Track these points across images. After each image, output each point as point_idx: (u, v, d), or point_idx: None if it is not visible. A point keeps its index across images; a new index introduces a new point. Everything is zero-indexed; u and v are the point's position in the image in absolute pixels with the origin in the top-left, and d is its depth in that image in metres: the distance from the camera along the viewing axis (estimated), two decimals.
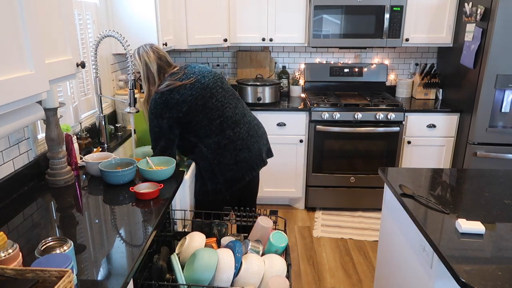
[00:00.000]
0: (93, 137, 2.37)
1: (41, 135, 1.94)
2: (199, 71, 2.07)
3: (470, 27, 3.07)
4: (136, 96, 2.40)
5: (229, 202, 2.14)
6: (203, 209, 2.01)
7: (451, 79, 3.48)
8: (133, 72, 2.19)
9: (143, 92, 2.11)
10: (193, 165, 2.16)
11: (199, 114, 2.01)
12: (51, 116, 1.73)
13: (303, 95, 3.83)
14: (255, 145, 2.15)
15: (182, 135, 2.06)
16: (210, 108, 2.02)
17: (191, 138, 2.06)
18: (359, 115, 3.28)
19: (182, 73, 2.03)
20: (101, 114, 2.34)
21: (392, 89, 3.87)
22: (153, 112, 2.00)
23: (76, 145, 2.00)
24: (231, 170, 2.08)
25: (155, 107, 1.99)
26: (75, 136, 2.05)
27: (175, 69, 2.07)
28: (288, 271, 1.46)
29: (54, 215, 1.53)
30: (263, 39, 3.44)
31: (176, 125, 2.01)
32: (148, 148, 2.24)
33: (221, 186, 2.09)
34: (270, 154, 2.32)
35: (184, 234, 1.70)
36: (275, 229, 1.70)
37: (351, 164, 3.42)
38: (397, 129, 3.29)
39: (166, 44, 2.90)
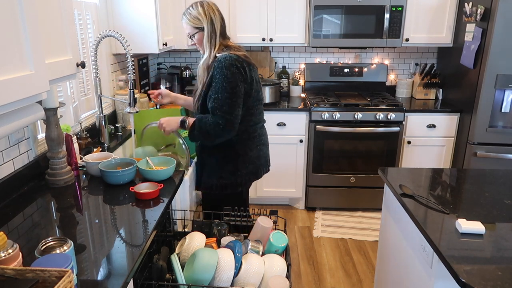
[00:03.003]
0: (93, 137, 2.37)
1: (41, 135, 1.94)
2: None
3: (470, 27, 3.07)
4: (136, 96, 2.40)
5: (243, 198, 2.10)
6: (211, 203, 1.98)
7: (451, 79, 3.48)
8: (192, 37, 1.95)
9: (143, 92, 2.09)
10: (193, 164, 2.15)
11: (254, 101, 1.95)
12: (51, 116, 1.73)
13: (303, 95, 3.83)
14: (268, 143, 2.15)
15: None
16: (260, 100, 2.00)
17: None
18: (359, 115, 3.28)
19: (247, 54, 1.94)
20: (101, 114, 2.34)
21: (392, 89, 3.87)
22: (237, 75, 1.82)
23: (76, 145, 2.00)
24: (253, 164, 2.03)
25: (239, 70, 1.82)
26: (75, 136, 2.05)
27: (234, 44, 1.96)
28: (288, 271, 1.46)
29: (54, 215, 1.53)
30: (263, 39, 3.44)
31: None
32: (149, 149, 2.23)
33: (241, 179, 2.02)
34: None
35: (184, 234, 1.70)
36: (275, 229, 1.70)
37: (351, 164, 3.42)
38: (397, 129, 3.29)
39: (166, 44, 2.90)
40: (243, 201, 2.14)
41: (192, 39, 1.95)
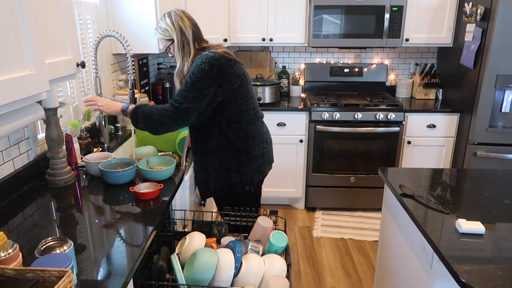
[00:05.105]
0: (93, 137, 2.37)
1: (41, 135, 1.94)
2: None
3: (470, 27, 3.08)
4: (136, 96, 2.40)
5: (254, 197, 2.08)
6: (225, 205, 1.95)
7: (451, 79, 3.48)
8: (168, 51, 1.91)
9: (143, 92, 2.07)
10: (193, 164, 2.15)
11: (242, 97, 1.88)
12: (51, 116, 1.73)
13: (303, 95, 3.83)
14: (271, 141, 2.12)
15: (212, 115, 1.86)
16: (250, 95, 1.93)
17: (219, 120, 1.88)
18: (359, 115, 3.28)
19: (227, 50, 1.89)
20: (101, 114, 2.34)
21: (392, 89, 3.87)
22: (207, 71, 1.75)
23: (76, 145, 2.00)
24: (257, 161, 1.98)
25: (211, 67, 1.76)
26: (75, 136, 2.05)
27: (213, 44, 1.92)
28: (288, 271, 1.46)
29: (54, 215, 1.53)
30: (263, 39, 3.44)
31: (218, 98, 1.82)
32: (149, 149, 2.23)
33: (246, 177, 1.97)
34: None
35: (184, 234, 1.70)
36: (275, 229, 1.70)
37: (351, 164, 3.42)
38: (397, 129, 3.29)
39: None
40: (256, 201, 2.13)
41: (169, 52, 1.93)
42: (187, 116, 1.81)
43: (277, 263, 1.45)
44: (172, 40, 1.88)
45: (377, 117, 3.28)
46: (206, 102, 1.80)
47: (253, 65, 3.83)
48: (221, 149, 1.94)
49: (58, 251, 1.11)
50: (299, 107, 3.39)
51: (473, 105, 3.06)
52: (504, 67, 2.86)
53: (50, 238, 1.16)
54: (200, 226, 1.73)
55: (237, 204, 1.92)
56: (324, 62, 3.88)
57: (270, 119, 3.33)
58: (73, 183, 1.82)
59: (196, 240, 1.53)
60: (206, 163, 1.98)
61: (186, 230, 1.87)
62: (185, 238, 1.56)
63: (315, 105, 3.30)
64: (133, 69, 2.21)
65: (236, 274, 1.40)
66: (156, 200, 1.65)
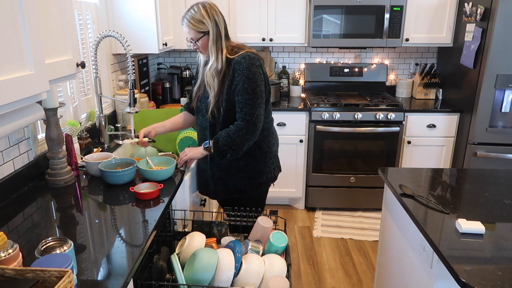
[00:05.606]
0: (93, 137, 2.37)
1: (41, 135, 1.94)
2: None
3: (470, 27, 3.08)
4: (136, 96, 2.40)
5: (264, 198, 2.13)
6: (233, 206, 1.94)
7: (451, 79, 3.48)
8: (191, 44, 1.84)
9: (143, 92, 2.06)
10: (193, 165, 2.15)
11: (269, 97, 1.92)
12: (51, 116, 1.73)
13: (303, 95, 3.83)
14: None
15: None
16: (269, 99, 1.95)
17: None
18: (359, 115, 3.28)
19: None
20: (101, 114, 2.34)
21: (392, 89, 3.87)
22: (258, 74, 1.77)
23: (76, 145, 2.00)
24: (275, 158, 2.06)
25: (258, 68, 1.78)
26: (75, 136, 2.05)
27: (238, 43, 1.90)
28: (288, 271, 1.46)
29: (54, 215, 1.53)
30: (263, 39, 3.44)
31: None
32: (149, 149, 2.22)
33: (271, 174, 2.03)
34: None
35: (184, 234, 1.70)
36: (275, 229, 1.70)
37: (351, 164, 3.42)
38: (397, 129, 3.29)
39: (166, 44, 2.90)
40: (263, 201, 2.16)
41: (196, 44, 1.84)
42: (260, 123, 1.83)
43: (277, 263, 1.45)
44: (204, 33, 1.79)
45: (377, 117, 3.28)
46: (265, 103, 1.85)
47: None
48: (249, 150, 1.90)
49: (58, 251, 1.11)
50: (299, 107, 3.39)
51: (473, 105, 3.06)
52: (504, 67, 2.86)
53: (50, 238, 1.16)
54: (200, 226, 1.73)
55: (246, 205, 1.89)
56: (324, 62, 3.88)
57: None
58: (73, 183, 1.82)
59: (196, 240, 1.53)
60: (228, 163, 1.95)
61: (186, 230, 1.87)
62: (185, 238, 1.56)
63: (315, 105, 3.30)
64: (133, 69, 2.21)
65: (236, 274, 1.40)
66: (156, 200, 1.65)
